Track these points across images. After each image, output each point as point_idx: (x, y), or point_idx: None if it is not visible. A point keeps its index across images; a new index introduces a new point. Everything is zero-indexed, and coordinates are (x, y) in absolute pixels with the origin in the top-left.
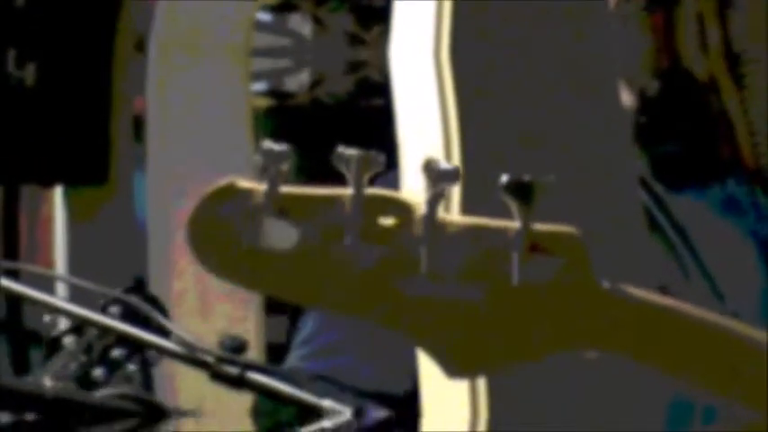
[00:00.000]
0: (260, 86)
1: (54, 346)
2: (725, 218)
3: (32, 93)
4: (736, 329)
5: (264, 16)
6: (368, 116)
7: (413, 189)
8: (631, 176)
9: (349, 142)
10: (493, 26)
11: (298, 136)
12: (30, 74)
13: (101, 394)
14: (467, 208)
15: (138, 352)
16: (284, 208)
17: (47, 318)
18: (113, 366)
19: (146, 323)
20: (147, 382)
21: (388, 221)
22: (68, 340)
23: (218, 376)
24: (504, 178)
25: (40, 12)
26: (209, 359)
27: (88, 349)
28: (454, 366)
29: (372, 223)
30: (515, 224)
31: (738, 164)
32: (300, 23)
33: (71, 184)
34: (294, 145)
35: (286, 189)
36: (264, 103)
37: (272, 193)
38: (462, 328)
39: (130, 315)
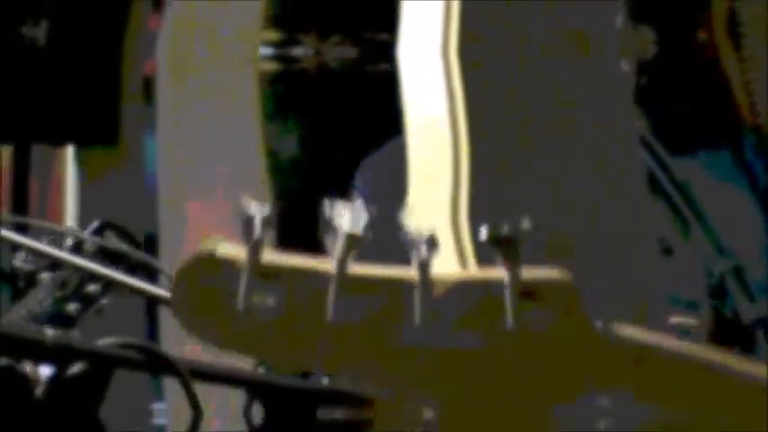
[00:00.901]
0: (266, 51)
1: (29, 281)
2: (732, 176)
3: (44, 52)
4: (733, 365)
5: (267, 51)
6: (374, 81)
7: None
8: (633, 141)
9: (355, 107)
10: (500, 25)
11: (304, 101)
12: (42, 33)
13: (104, 342)
14: (476, 207)
15: (112, 287)
16: (267, 272)
17: (21, 256)
18: (88, 301)
19: (120, 261)
20: (153, 331)
21: (375, 271)
22: (44, 275)
23: None
24: (483, 233)
25: None
26: None
27: (63, 284)
28: (453, 420)
29: (358, 275)
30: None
31: (741, 123)
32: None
33: (82, 143)
34: (300, 110)
35: (268, 254)
36: (271, 67)
37: (253, 258)
38: (459, 379)
39: (112, 255)
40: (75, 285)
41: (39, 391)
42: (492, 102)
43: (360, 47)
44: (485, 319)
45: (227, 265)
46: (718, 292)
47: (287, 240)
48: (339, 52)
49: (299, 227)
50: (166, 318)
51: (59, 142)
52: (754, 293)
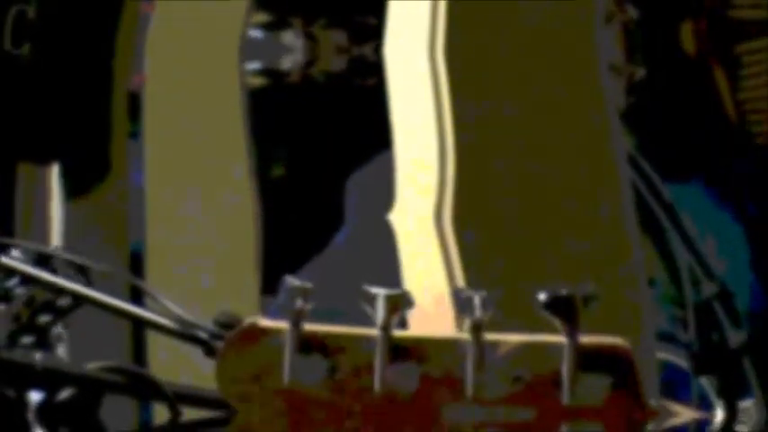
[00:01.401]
0: (254, 65)
1: None
2: (719, 200)
3: (30, 71)
4: None
5: (256, 33)
6: (361, 95)
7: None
8: (622, 169)
9: (341, 121)
10: (487, 24)
11: (290, 115)
12: (26, 52)
13: (90, 366)
14: (460, 208)
15: (63, 316)
16: (308, 343)
17: None
18: (41, 332)
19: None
20: (140, 355)
21: (422, 334)
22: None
23: (213, 352)
24: (543, 296)
25: None
26: (204, 336)
27: (17, 317)
28: None
29: (404, 339)
30: (564, 340)
31: (732, 143)
32: (293, 40)
33: (68, 163)
34: (286, 124)
35: (309, 326)
36: (258, 81)
37: (295, 330)
38: None
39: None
40: (28, 317)
41: (29, 415)
42: (479, 102)
43: (348, 29)
44: (540, 390)
45: (270, 335)
46: (704, 317)
47: (275, 258)
48: (328, 35)
49: (287, 242)
50: (153, 340)
51: (45, 161)
52: (740, 319)
